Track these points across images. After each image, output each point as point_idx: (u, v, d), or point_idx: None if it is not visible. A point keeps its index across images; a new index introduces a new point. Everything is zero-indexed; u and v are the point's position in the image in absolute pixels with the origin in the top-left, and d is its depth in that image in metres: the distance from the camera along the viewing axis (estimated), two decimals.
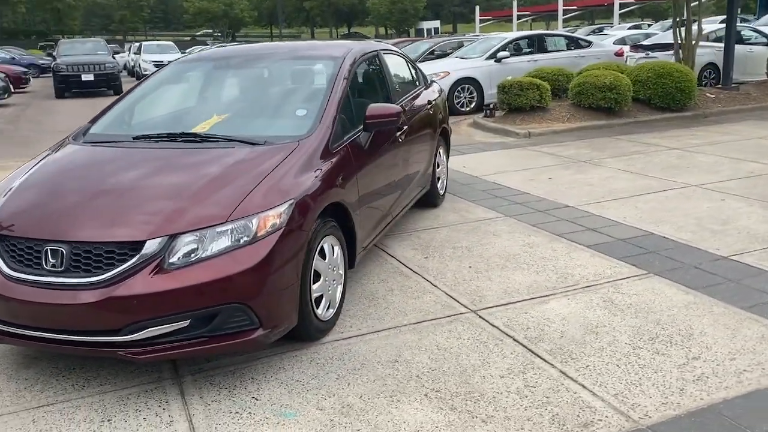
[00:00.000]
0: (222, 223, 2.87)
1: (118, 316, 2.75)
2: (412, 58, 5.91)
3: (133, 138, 3.72)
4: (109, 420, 2.79)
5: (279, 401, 2.89)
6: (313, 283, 3.29)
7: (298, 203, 3.10)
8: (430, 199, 5.84)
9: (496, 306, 3.80)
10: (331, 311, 3.51)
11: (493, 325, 3.55)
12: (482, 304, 3.84)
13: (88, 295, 2.74)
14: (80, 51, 22.19)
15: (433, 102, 5.65)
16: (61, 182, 3.30)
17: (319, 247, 3.32)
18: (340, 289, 3.63)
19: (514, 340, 3.38)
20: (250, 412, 2.81)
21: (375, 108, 3.95)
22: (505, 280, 4.17)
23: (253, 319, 2.88)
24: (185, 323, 2.80)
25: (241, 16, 58.22)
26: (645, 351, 3.21)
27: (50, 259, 2.84)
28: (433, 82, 6.19)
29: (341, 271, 3.63)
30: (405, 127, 4.72)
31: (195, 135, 3.66)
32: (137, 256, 2.77)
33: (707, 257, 4.44)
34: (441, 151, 5.96)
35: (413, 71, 5.68)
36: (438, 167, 5.86)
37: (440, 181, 5.93)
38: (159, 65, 27.68)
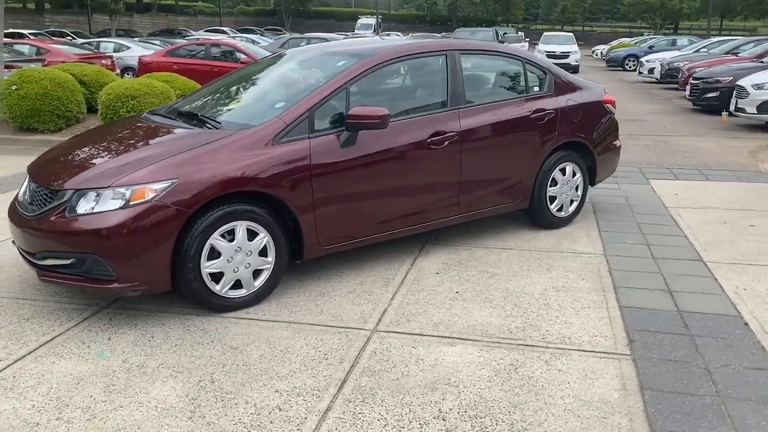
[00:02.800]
0: (106, 188, 3.44)
1: (33, 243, 3.60)
2: (535, 60, 5.27)
3: (176, 114, 4.50)
4: (27, 319, 3.69)
5: (115, 347, 3.38)
6: (209, 260, 3.61)
7: (183, 183, 3.46)
8: (539, 220, 5.27)
9: (404, 333, 3.50)
10: (242, 291, 3.76)
11: (364, 349, 3.33)
12: (396, 327, 3.57)
13: (26, 224, 3.65)
14: (469, 38, 24.23)
15: (548, 112, 5.03)
16: (86, 140, 4.28)
17: (223, 228, 3.61)
18: (266, 274, 3.83)
19: (352, 366, 3.16)
20: (89, 346, 3.38)
21: (357, 109, 3.93)
22: (462, 314, 3.73)
23: (110, 272, 3.42)
24: (68, 261, 3.50)
25: (679, 7, 53.97)
26: (431, 428, 2.68)
27: (27, 194, 3.84)
28: (573, 90, 5.39)
29: (269, 258, 3.82)
30: (450, 133, 4.44)
31: (196, 115, 4.25)
32: (53, 202, 3.56)
33: (746, 362, 3.17)
34: (569, 168, 5.26)
35: (524, 77, 5.12)
36: (555, 185, 5.21)
37: (556, 201, 5.26)
38: (551, 56, 28.39)
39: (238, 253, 3.69)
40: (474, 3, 69.84)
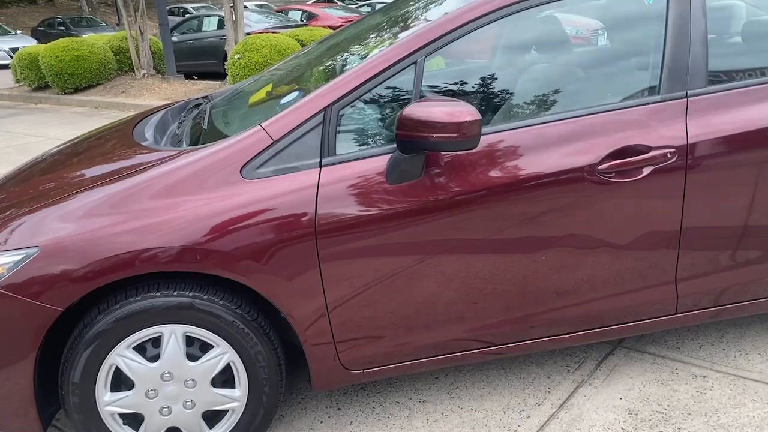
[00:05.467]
0: None
1: None
2: None
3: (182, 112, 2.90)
4: None
5: None
6: (115, 390, 1.97)
7: (46, 256, 1.83)
8: None
9: None
10: None
11: None
12: None
13: None
14: None
15: None
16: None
17: (138, 337, 1.93)
18: (232, 418, 2.06)
19: None
20: None
21: (415, 108, 1.83)
22: None
23: None
24: None
25: None
26: None
27: None
28: None
29: (237, 392, 2.03)
30: (661, 150, 2.07)
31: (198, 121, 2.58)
32: None
33: None
34: None
35: None
36: None
37: None
38: None
39: (168, 381, 1.97)
40: None
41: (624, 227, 2.12)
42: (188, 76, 12.74)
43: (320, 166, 1.95)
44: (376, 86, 2.00)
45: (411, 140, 1.86)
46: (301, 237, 1.91)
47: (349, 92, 1.98)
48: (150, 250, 1.84)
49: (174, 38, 14.34)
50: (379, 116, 2.04)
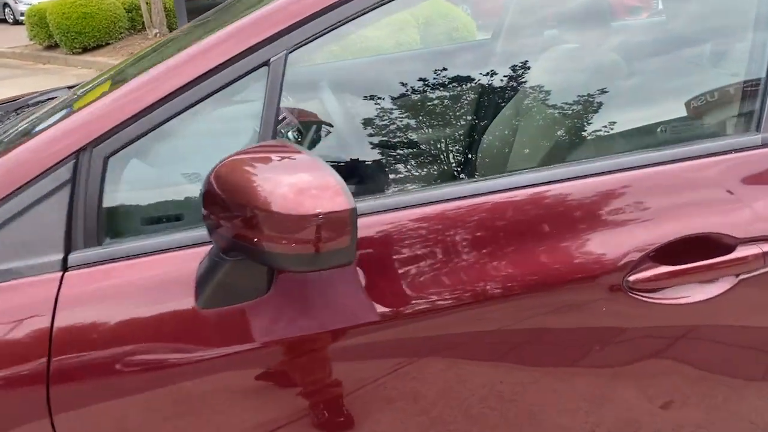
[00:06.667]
0: None
1: None
2: None
3: None
4: None
5: None
6: None
7: None
8: None
9: None
10: None
11: None
12: None
13: None
14: None
15: None
16: None
17: None
18: None
19: None
20: None
21: (231, 174, 0.84)
22: None
23: None
24: None
25: None
26: None
27: None
28: None
29: None
30: (759, 249, 1.03)
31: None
32: None
33: None
34: None
35: None
36: None
37: None
38: None
39: None
40: None
41: (671, 378, 1.11)
42: None
43: (64, 269, 0.98)
44: (184, 109, 1.01)
45: (216, 232, 0.87)
46: (23, 405, 0.96)
47: (128, 121, 0.99)
48: None
49: None
50: (192, 172, 1.06)
